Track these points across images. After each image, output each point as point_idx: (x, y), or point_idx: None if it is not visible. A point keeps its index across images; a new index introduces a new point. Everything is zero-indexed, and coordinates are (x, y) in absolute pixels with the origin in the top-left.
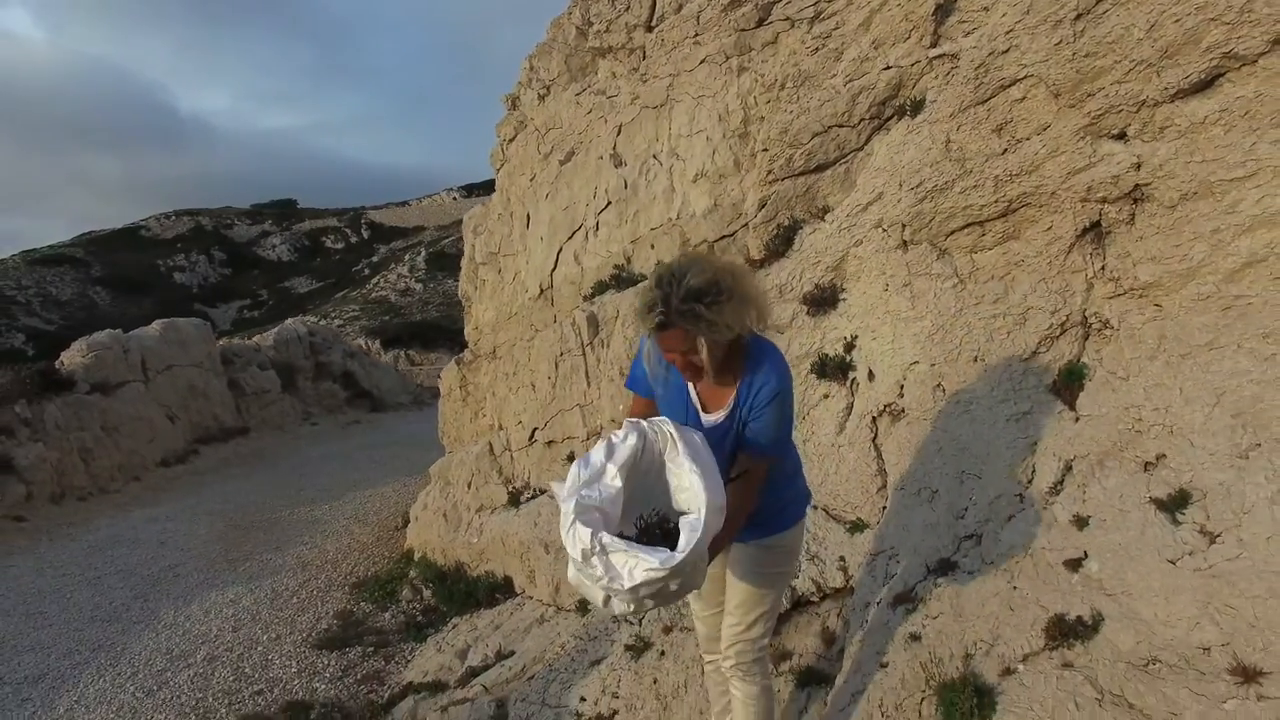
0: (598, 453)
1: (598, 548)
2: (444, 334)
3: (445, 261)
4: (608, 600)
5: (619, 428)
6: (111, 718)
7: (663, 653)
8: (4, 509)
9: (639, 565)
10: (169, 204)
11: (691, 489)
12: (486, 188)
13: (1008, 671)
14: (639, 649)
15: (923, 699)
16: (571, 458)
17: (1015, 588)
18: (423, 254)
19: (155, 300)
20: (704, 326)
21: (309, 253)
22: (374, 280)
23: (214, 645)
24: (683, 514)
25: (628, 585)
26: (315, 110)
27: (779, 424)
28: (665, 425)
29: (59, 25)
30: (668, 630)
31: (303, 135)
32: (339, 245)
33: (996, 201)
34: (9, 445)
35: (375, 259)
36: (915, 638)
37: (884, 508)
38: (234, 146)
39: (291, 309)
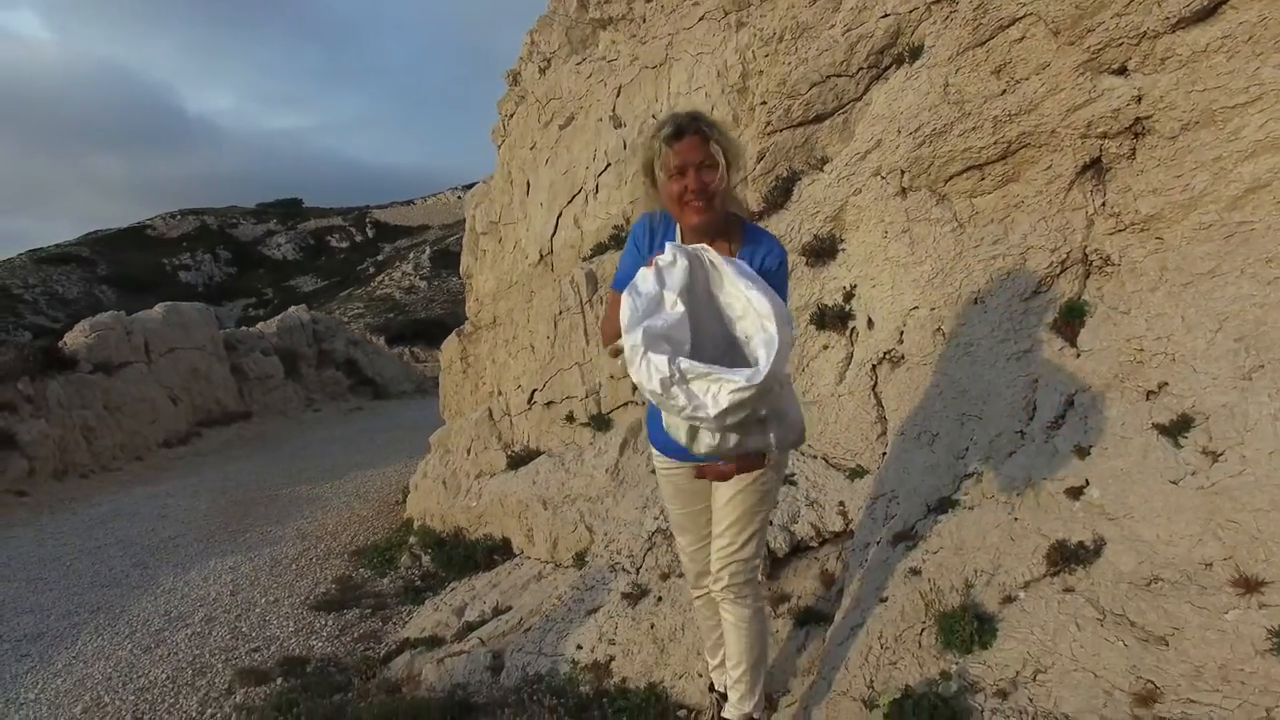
0: (647, 281)
1: (676, 375)
2: (448, 331)
3: (449, 260)
4: (694, 435)
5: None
6: (109, 671)
7: (659, 598)
8: (6, 483)
9: (723, 388)
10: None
11: (752, 310)
12: None
13: (1008, 599)
14: (636, 596)
15: (922, 629)
16: (570, 418)
17: (1016, 519)
18: (427, 252)
19: (161, 299)
20: (716, 133)
21: (314, 251)
22: (378, 278)
23: (212, 607)
24: (748, 339)
25: (713, 412)
26: (320, 111)
27: (782, 290)
28: (706, 253)
29: (67, 27)
30: (665, 577)
31: (308, 136)
32: (344, 244)
33: (996, 143)
34: (11, 421)
35: (380, 257)
36: (915, 572)
37: (883, 454)
38: (240, 147)
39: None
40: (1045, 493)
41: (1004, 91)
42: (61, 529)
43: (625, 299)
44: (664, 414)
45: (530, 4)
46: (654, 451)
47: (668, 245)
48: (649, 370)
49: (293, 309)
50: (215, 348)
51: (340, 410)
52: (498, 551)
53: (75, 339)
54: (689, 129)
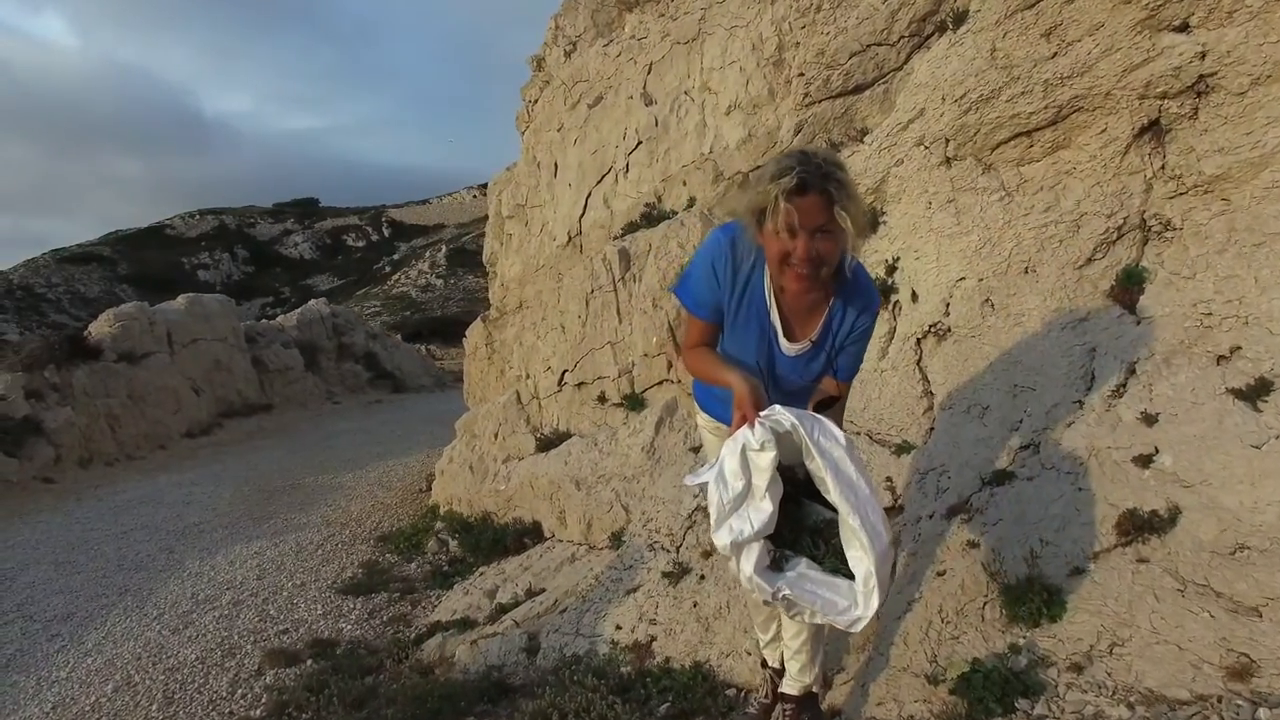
0: (732, 461)
1: (781, 598)
2: (465, 329)
3: (465, 258)
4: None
5: (736, 422)
6: (139, 651)
7: (702, 577)
8: (34, 470)
9: (824, 616)
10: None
11: (851, 531)
12: None
13: (1077, 571)
14: (677, 575)
15: (985, 603)
16: (602, 398)
17: (1080, 489)
18: (443, 250)
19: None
20: (844, 198)
21: (331, 251)
22: (395, 277)
23: (239, 591)
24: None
25: (813, 620)
26: (336, 112)
27: (868, 344)
28: (817, 428)
29: (90, 32)
30: (707, 555)
31: (324, 137)
32: (360, 243)
33: (1046, 108)
34: (38, 409)
35: (396, 256)
36: (974, 545)
37: (930, 428)
38: (257, 148)
39: None
40: (1110, 461)
41: (1055, 54)
42: (88, 514)
43: (712, 488)
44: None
45: (541, 3)
46: (704, 419)
47: (759, 428)
48: (748, 584)
49: (313, 302)
50: (236, 339)
51: (360, 403)
52: (528, 535)
53: (100, 328)
54: (814, 186)
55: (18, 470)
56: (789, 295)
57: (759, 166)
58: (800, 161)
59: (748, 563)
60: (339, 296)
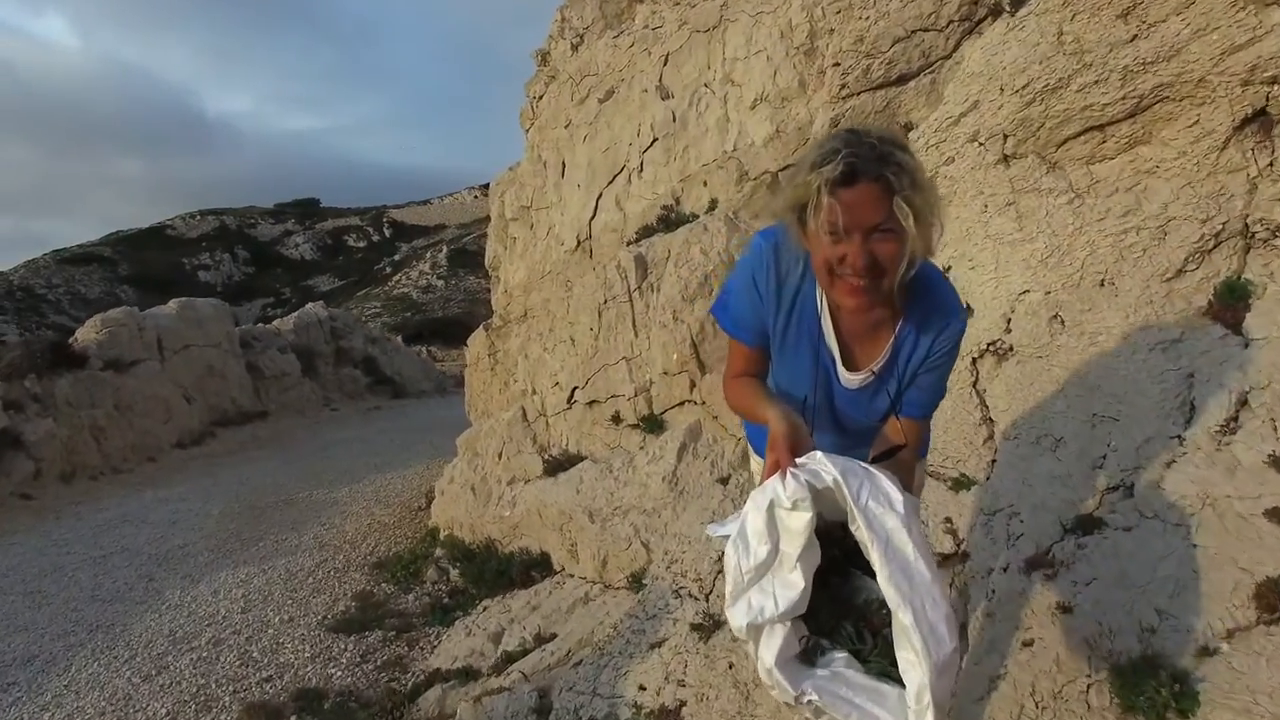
0: (757, 519)
1: (808, 702)
2: (466, 330)
3: (466, 259)
4: None
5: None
6: (103, 705)
7: None
8: (11, 486)
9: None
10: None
11: (902, 625)
12: None
13: (1207, 652)
14: (708, 629)
15: (1089, 685)
16: (616, 418)
17: (1196, 545)
18: (444, 251)
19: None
20: (907, 185)
21: (331, 251)
22: (396, 278)
23: (220, 627)
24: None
25: None
26: (337, 113)
27: (950, 371)
28: (849, 496)
29: (92, 32)
30: None
31: (325, 137)
32: (361, 244)
33: (1124, 98)
34: (17, 420)
35: (397, 257)
36: (1065, 609)
37: (992, 460)
38: (258, 148)
39: None
40: (1233, 514)
41: (1135, 37)
42: (66, 535)
43: (729, 553)
44: None
45: (542, 5)
46: (756, 464)
47: (791, 481)
48: (767, 678)
49: (310, 305)
50: (231, 345)
51: (359, 409)
52: (535, 567)
53: (86, 335)
54: (866, 171)
55: None
56: (845, 312)
57: (788, 166)
58: (848, 143)
59: (768, 651)
60: (339, 297)
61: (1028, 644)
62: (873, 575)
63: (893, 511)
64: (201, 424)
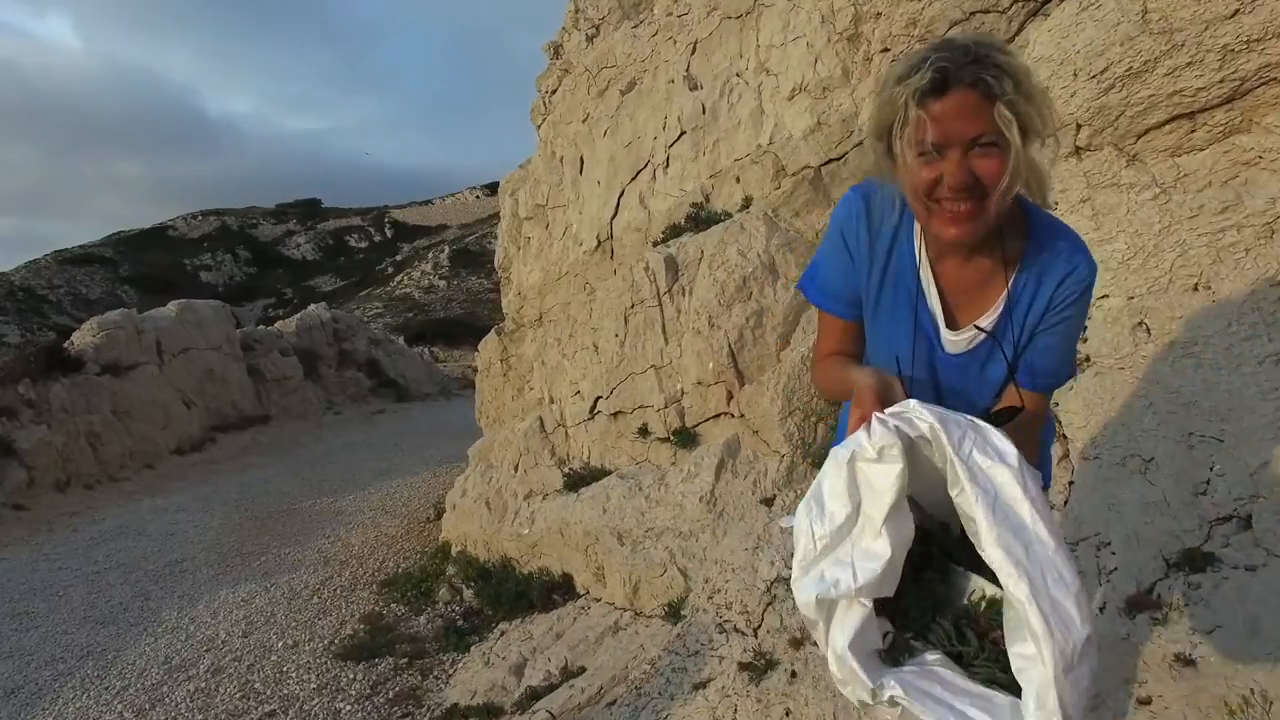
0: (836, 476)
1: (888, 699)
2: (468, 330)
3: (468, 259)
4: None
5: (863, 420)
6: None
7: (793, 673)
8: (3, 496)
9: None
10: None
11: (1014, 590)
12: None
13: None
14: (759, 669)
15: None
16: (644, 431)
17: None
18: (446, 251)
19: (182, 299)
20: (1010, 89)
21: (333, 251)
22: (397, 278)
23: (220, 653)
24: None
25: None
26: (337, 114)
27: (1080, 331)
28: (949, 445)
29: (95, 32)
30: (797, 644)
31: (326, 138)
32: (363, 244)
33: (1222, 82)
34: (10, 427)
35: (399, 257)
36: (1187, 662)
37: (1070, 482)
38: (260, 149)
39: None
40: None
41: (1236, 12)
42: (59, 549)
43: (800, 515)
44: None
45: (543, 5)
46: None
47: (878, 427)
48: (837, 666)
49: (312, 307)
50: (231, 348)
51: (362, 413)
52: (557, 589)
53: (83, 338)
54: (960, 77)
55: None
56: (948, 256)
57: (831, 160)
58: (937, 49)
59: (841, 633)
60: (341, 298)
61: (1144, 701)
62: (985, 574)
63: (1003, 465)
64: (201, 429)
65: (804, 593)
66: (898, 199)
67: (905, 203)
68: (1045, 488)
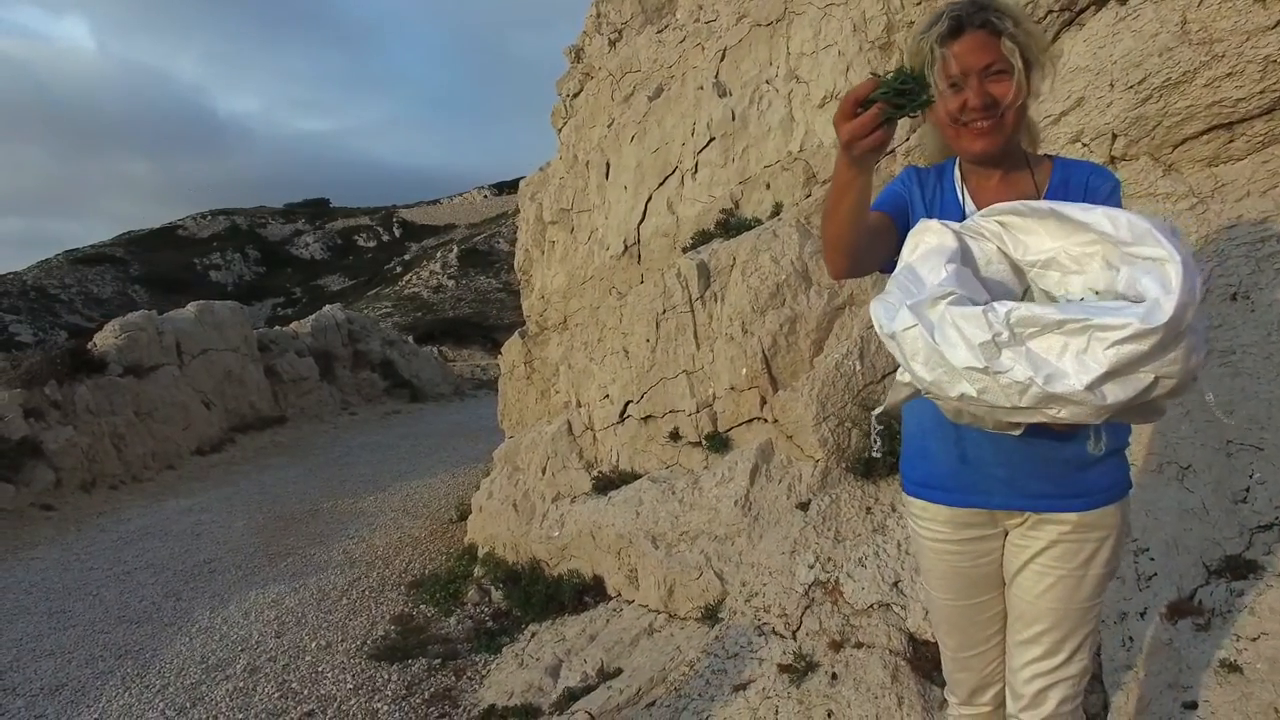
0: (918, 254)
1: (1004, 332)
2: (477, 330)
3: (477, 259)
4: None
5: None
6: None
7: (834, 676)
8: (31, 496)
9: (1095, 342)
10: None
11: (1099, 245)
12: (517, 186)
13: None
14: (799, 671)
15: None
16: (675, 435)
17: None
18: (454, 251)
19: (191, 298)
20: (1010, 26)
21: (341, 251)
22: (406, 277)
23: (255, 653)
24: (1095, 291)
25: (1088, 379)
26: (345, 115)
27: None
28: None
29: (108, 34)
30: (836, 647)
31: (334, 138)
32: (371, 243)
33: (1262, 93)
34: (38, 429)
35: (407, 257)
36: (1233, 668)
37: None
38: (269, 149)
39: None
40: None
41: (1278, 23)
42: (89, 549)
43: (891, 283)
44: (981, 399)
45: (544, 5)
46: (910, 501)
47: (921, 225)
48: (955, 335)
49: (327, 308)
50: (249, 349)
51: (377, 413)
52: (588, 591)
53: (105, 340)
54: (971, 21)
55: (14, 497)
56: (980, 169)
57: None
58: (951, 5)
59: (956, 303)
60: (350, 297)
61: (1191, 706)
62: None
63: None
64: (220, 430)
65: (904, 315)
66: (933, 171)
67: (940, 171)
68: (1128, 489)
